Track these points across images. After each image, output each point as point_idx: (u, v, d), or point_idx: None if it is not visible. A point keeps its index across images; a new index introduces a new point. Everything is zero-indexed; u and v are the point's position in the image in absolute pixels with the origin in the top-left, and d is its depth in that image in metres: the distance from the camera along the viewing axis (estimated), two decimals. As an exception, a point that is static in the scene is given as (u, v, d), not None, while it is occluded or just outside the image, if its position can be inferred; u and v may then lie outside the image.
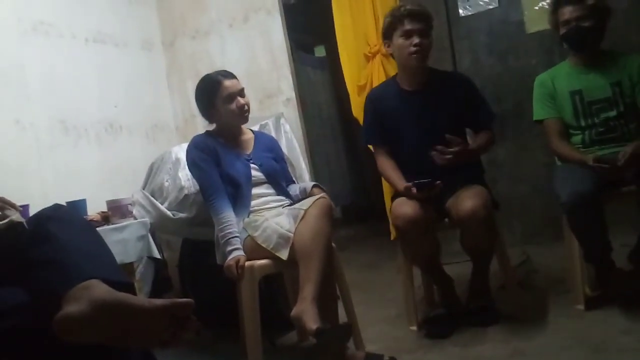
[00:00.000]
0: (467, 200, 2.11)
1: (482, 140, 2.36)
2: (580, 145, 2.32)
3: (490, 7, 3.35)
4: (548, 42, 3.14)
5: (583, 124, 2.32)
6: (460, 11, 3.43)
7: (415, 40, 2.26)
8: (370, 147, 2.61)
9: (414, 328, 2.32)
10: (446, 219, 2.27)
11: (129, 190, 2.76)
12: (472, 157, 2.31)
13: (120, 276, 1.12)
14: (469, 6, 3.40)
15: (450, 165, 2.18)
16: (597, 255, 2.20)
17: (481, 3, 3.38)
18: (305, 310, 1.85)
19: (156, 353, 1.20)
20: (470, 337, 2.15)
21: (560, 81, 2.38)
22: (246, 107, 2.31)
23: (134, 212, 2.54)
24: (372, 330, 2.34)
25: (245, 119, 2.34)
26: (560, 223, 2.27)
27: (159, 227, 2.63)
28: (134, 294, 1.05)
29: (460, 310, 2.33)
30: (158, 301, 1.00)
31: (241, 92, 2.31)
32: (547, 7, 2.50)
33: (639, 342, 1.83)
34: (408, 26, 2.27)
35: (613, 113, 2.27)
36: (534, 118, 2.45)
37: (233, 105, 2.28)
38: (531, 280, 2.72)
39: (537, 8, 3.20)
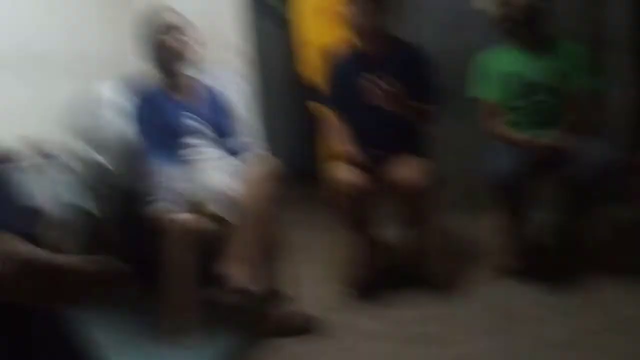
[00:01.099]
0: (405, 170, 2.20)
1: (423, 106, 2.35)
2: (512, 125, 2.43)
3: None
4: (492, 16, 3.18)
5: (517, 105, 2.42)
6: None
7: (354, 9, 2.29)
8: (324, 109, 2.63)
9: (344, 289, 2.40)
10: (384, 186, 2.32)
11: (55, 128, 2.58)
12: (406, 110, 2.26)
13: (30, 226, 1.05)
14: None
15: (379, 103, 2.18)
16: (519, 229, 2.36)
17: None
18: (239, 269, 1.87)
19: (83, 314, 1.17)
20: (395, 299, 2.28)
21: (500, 62, 2.47)
22: (183, 44, 2.20)
23: (64, 158, 2.41)
24: (305, 289, 2.37)
25: (179, 56, 2.21)
26: (487, 196, 2.37)
27: (91, 176, 2.51)
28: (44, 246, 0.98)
29: (387, 273, 2.44)
30: (84, 258, 0.95)
31: (179, 28, 2.20)
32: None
33: (546, 313, 2.01)
34: None
35: (545, 97, 2.39)
36: (471, 95, 2.53)
37: (168, 37, 2.17)
38: (457, 249, 2.85)
39: None
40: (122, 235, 2.60)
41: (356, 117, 2.39)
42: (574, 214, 2.31)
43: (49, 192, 2.23)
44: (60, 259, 0.92)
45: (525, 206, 2.29)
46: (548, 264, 2.37)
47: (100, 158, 2.45)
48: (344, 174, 2.20)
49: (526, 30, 2.40)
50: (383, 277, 2.41)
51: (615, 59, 3.14)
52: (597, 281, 2.23)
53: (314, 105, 2.72)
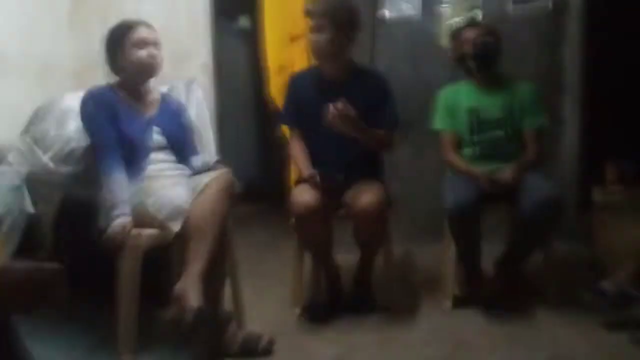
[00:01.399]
0: (364, 195, 2.21)
1: (378, 132, 2.35)
2: (469, 158, 2.53)
3: (413, 14, 3.50)
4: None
5: (474, 139, 2.54)
6: (384, 12, 3.52)
7: (313, 37, 2.33)
8: (285, 129, 2.62)
9: (298, 311, 2.40)
10: (342, 210, 2.34)
11: (8, 134, 2.50)
12: (359, 133, 2.25)
13: None
14: (393, 9, 3.52)
15: (335, 127, 2.18)
16: (469, 260, 2.43)
17: (405, 9, 3.51)
18: (189, 287, 1.82)
19: (16, 324, 1.08)
20: (348, 324, 2.30)
21: (461, 97, 2.58)
22: (157, 60, 2.16)
23: (9, 158, 2.31)
24: (256, 310, 2.36)
25: (153, 72, 2.19)
26: (442, 226, 2.45)
27: (36, 178, 2.40)
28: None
29: (341, 297, 2.46)
30: (20, 264, 0.90)
31: (155, 43, 2.17)
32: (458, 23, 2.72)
33: (491, 342, 2.08)
34: (309, 23, 2.34)
35: (501, 133, 2.52)
36: (433, 127, 2.62)
37: (143, 53, 2.13)
38: (410, 276, 2.92)
39: (451, 22, 3.37)
40: (66, 241, 2.48)
41: (315, 140, 2.40)
42: (523, 246, 2.39)
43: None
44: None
45: (478, 237, 2.35)
46: (497, 294, 2.43)
47: (51, 163, 2.34)
48: (302, 195, 2.20)
49: (479, 66, 2.52)
50: (337, 301, 2.44)
51: (567, 100, 3.34)
52: (543, 313, 2.32)
53: (277, 126, 2.70)
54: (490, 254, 2.49)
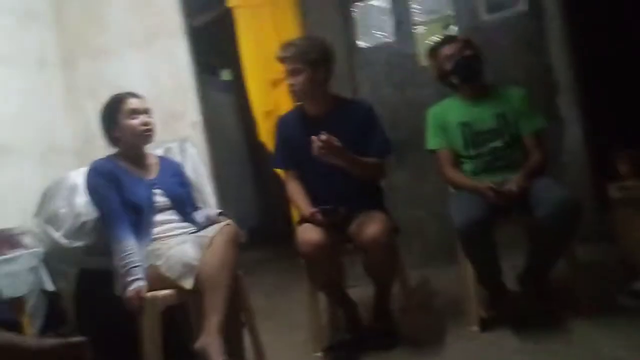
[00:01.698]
0: (369, 226, 2.17)
1: (368, 160, 2.34)
2: (471, 173, 2.45)
3: (388, 40, 3.53)
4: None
5: (472, 153, 2.46)
6: (359, 43, 3.57)
7: (290, 81, 2.37)
8: (280, 172, 2.65)
9: (319, 354, 2.34)
10: (349, 244, 2.31)
11: (20, 218, 2.59)
12: (348, 163, 2.24)
13: (5, 313, 1.05)
14: (367, 38, 3.56)
15: (323, 158, 2.18)
16: (489, 278, 2.32)
17: (378, 36, 3.55)
18: (210, 342, 1.83)
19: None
20: (371, 359, 2.21)
21: (450, 113, 2.52)
22: (150, 126, 2.26)
23: (25, 241, 2.39)
24: (278, 357, 2.33)
25: (147, 139, 2.29)
26: (455, 246, 2.35)
27: (53, 257, 2.48)
28: (21, 332, 1.00)
29: (363, 333, 2.38)
30: (47, 341, 0.95)
31: (146, 111, 2.27)
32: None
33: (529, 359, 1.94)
34: (284, 68, 2.38)
35: (499, 143, 2.42)
36: (428, 147, 2.57)
37: (136, 122, 2.23)
38: (430, 303, 2.82)
39: (428, 42, 3.34)
40: (88, 313, 2.53)
41: (311, 177, 2.41)
42: (544, 256, 2.27)
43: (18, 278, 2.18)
44: (24, 340, 0.91)
45: (494, 253, 2.23)
46: (526, 310, 2.33)
47: (65, 240, 2.42)
48: (307, 234, 2.19)
49: (462, 80, 2.48)
50: (359, 338, 2.37)
51: (563, 99, 3.27)
52: (579, 323, 2.16)
53: (274, 169, 2.74)
54: (511, 268, 2.40)
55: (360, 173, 2.32)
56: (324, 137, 2.14)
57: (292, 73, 2.36)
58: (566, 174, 3.22)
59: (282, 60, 2.38)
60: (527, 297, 2.37)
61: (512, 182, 2.25)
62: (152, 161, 2.38)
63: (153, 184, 2.27)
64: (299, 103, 2.48)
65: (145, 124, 2.25)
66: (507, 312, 2.33)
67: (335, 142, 2.15)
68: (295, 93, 2.39)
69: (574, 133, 3.28)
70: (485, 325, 2.30)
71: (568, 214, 2.07)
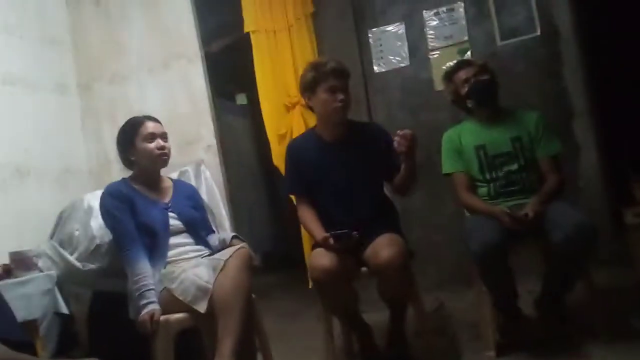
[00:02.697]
0: (384, 250, 2.14)
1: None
2: (487, 197, 2.44)
3: (402, 65, 3.57)
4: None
5: (488, 177, 2.44)
6: (375, 68, 3.61)
7: (340, 95, 2.32)
8: (292, 196, 2.64)
9: None
10: (363, 268, 2.28)
11: (36, 240, 2.61)
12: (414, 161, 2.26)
13: (20, 334, 1.04)
14: (383, 63, 3.60)
15: (407, 155, 2.19)
16: (505, 303, 2.30)
17: (394, 61, 3.59)
18: None
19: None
20: None
21: (465, 137, 2.51)
22: (166, 150, 2.28)
23: (39, 264, 2.40)
24: None
25: (164, 162, 2.30)
26: (471, 270, 2.33)
27: (67, 280, 2.49)
28: (35, 353, 0.99)
29: (377, 358, 2.34)
30: None
31: (163, 135, 2.29)
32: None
33: None
34: (333, 82, 2.32)
35: (514, 166, 2.41)
36: (443, 171, 2.56)
37: (152, 145, 2.25)
38: (445, 327, 2.78)
39: (444, 67, 3.35)
40: (101, 336, 2.52)
41: (325, 201, 2.39)
42: (560, 280, 2.26)
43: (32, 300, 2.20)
44: None
45: (509, 277, 2.23)
46: (542, 335, 2.30)
47: (79, 263, 2.43)
48: (319, 260, 2.16)
49: (478, 104, 2.48)
50: None
51: (578, 123, 3.27)
52: (596, 347, 2.15)
53: (286, 194, 2.73)
54: (527, 293, 2.39)
55: (412, 177, 2.31)
56: (408, 132, 2.14)
57: (345, 87, 2.35)
58: (582, 198, 3.20)
59: (339, 71, 2.34)
60: (543, 322, 2.35)
61: (528, 206, 2.24)
62: (167, 184, 2.39)
63: (167, 207, 2.28)
64: (320, 125, 2.46)
65: (162, 147, 2.27)
66: (523, 337, 2.31)
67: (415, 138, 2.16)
68: (346, 107, 2.36)
69: (589, 158, 3.27)
70: (502, 350, 2.28)
71: (584, 238, 2.06)
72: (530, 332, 2.31)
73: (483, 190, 2.47)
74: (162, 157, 2.28)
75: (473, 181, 2.49)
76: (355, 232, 2.19)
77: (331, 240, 2.19)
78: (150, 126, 2.28)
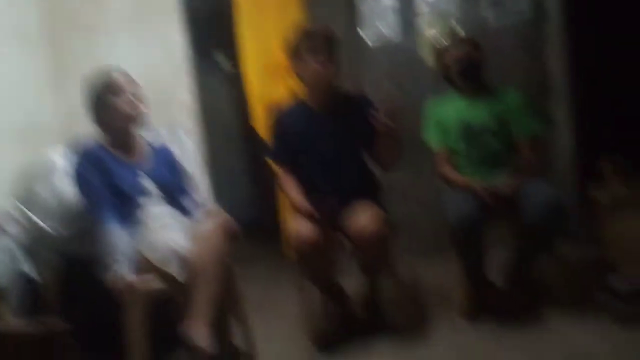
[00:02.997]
0: (363, 220, 2.20)
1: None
2: (466, 172, 2.51)
3: (393, 39, 3.54)
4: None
5: (468, 152, 2.51)
6: (365, 40, 3.56)
7: (321, 58, 2.29)
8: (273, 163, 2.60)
9: (310, 344, 2.37)
10: (343, 238, 2.32)
11: (-1, 200, 2.49)
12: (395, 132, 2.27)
13: None
14: (374, 36, 3.56)
15: (386, 130, 2.20)
16: (477, 274, 2.40)
17: (384, 34, 3.55)
18: (199, 331, 1.81)
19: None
20: (362, 351, 2.27)
21: (449, 110, 2.57)
22: (136, 107, 2.16)
23: (3, 225, 2.30)
24: (268, 348, 2.34)
25: (136, 121, 2.19)
26: (446, 241, 2.40)
27: (33, 242, 2.40)
28: (1, 318, 0.92)
29: (354, 325, 2.42)
30: (29, 328, 0.88)
31: (133, 91, 2.17)
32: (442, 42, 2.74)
33: (513, 353, 2.07)
34: (317, 47, 2.29)
35: (495, 143, 2.49)
36: (426, 144, 2.62)
37: (120, 100, 2.13)
38: (419, 295, 2.87)
39: (435, 43, 3.38)
40: (71, 300, 2.46)
41: (309, 171, 2.40)
42: (530, 253, 2.35)
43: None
44: (5, 325, 0.86)
45: (483, 249, 2.34)
46: (509, 303, 2.41)
47: (45, 224, 2.34)
48: (300, 229, 2.18)
49: (465, 79, 2.53)
50: (348, 328, 2.41)
51: (557, 105, 3.33)
52: (558, 317, 2.30)
53: (267, 160, 2.69)
54: (497, 264, 2.47)
55: (394, 142, 2.31)
56: (390, 112, 2.16)
57: (328, 54, 2.30)
58: (554, 176, 3.28)
59: (320, 37, 2.30)
60: (511, 293, 2.44)
61: (504, 182, 2.34)
62: (141, 147, 2.29)
63: (142, 171, 2.19)
64: (311, 91, 2.41)
65: (129, 103, 2.14)
66: (491, 305, 2.42)
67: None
68: (329, 75, 2.32)
69: (564, 137, 3.35)
70: (472, 318, 2.42)
71: (555, 216, 2.19)
72: (498, 302, 2.42)
73: (463, 164, 2.54)
74: (134, 115, 2.16)
75: (454, 155, 2.56)
76: (335, 203, 2.24)
77: (313, 211, 2.21)
78: (120, 81, 2.16)
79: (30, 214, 2.38)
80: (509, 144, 2.49)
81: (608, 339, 2.05)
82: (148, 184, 2.18)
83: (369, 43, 3.55)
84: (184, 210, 2.23)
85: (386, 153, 2.34)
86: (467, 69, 2.51)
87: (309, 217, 2.21)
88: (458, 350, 2.16)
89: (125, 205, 2.09)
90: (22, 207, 2.41)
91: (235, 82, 4.85)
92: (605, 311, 2.21)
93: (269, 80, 3.36)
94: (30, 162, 2.61)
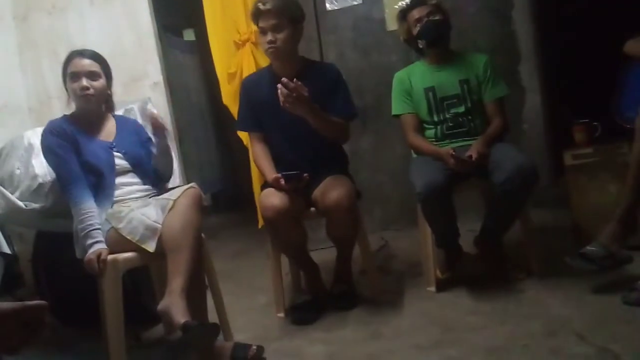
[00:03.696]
0: (333, 191, 2.20)
1: (333, 118, 2.34)
2: (433, 139, 2.49)
3: (355, 3, 3.48)
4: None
5: (435, 119, 2.48)
6: (327, 5, 3.51)
7: (269, 37, 2.30)
8: (242, 133, 2.62)
9: (282, 315, 2.38)
10: (312, 208, 2.33)
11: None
12: (313, 115, 2.23)
13: None
14: (335, 1, 3.50)
15: (290, 109, 2.16)
16: (447, 241, 2.39)
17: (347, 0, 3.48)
18: (173, 304, 1.82)
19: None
20: (333, 321, 2.25)
21: (415, 78, 2.53)
22: (91, 90, 2.15)
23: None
24: (240, 319, 2.36)
25: (85, 102, 2.18)
26: (415, 210, 2.42)
27: (8, 219, 2.41)
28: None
29: (324, 295, 2.43)
30: (5, 304, 0.93)
31: (89, 74, 2.16)
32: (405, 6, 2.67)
33: (484, 320, 2.01)
34: (262, 23, 2.30)
35: (461, 109, 2.45)
36: (393, 113, 2.58)
37: (75, 85, 2.15)
38: (389, 265, 2.88)
39: (396, 7, 3.30)
40: (46, 276, 2.49)
41: (276, 140, 2.41)
42: (500, 219, 2.33)
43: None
44: None
45: (452, 216, 2.31)
46: (480, 271, 2.42)
47: (21, 202, 2.36)
48: (270, 199, 2.19)
49: (428, 45, 2.48)
50: (320, 300, 2.41)
51: (525, 67, 3.32)
52: (530, 284, 2.25)
53: (237, 133, 2.72)
54: (467, 231, 2.48)
55: (324, 129, 2.31)
56: (292, 85, 2.11)
57: (274, 28, 2.28)
58: (525, 141, 3.30)
59: (264, 12, 2.28)
60: (482, 259, 2.45)
61: (472, 148, 2.29)
62: (110, 122, 2.30)
63: (112, 146, 2.21)
64: (272, 62, 2.42)
65: (83, 88, 2.14)
66: (462, 273, 2.40)
67: (304, 91, 2.14)
68: (277, 50, 2.31)
69: (533, 101, 3.35)
70: (442, 286, 2.37)
71: (525, 179, 2.13)
72: (469, 269, 2.42)
73: (430, 132, 2.51)
74: (83, 97, 2.16)
75: (421, 123, 2.53)
76: (305, 174, 2.21)
77: (282, 181, 2.21)
78: (75, 64, 2.16)
79: (5, 192, 2.39)
80: (476, 109, 2.46)
81: (584, 306, 1.98)
82: (119, 160, 2.20)
83: (331, 8, 3.50)
84: (155, 184, 2.27)
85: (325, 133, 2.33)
86: (426, 31, 2.45)
87: (278, 187, 2.22)
88: (429, 319, 2.11)
89: (97, 181, 2.11)
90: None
91: (202, 57, 4.83)
92: (579, 278, 2.13)
93: (235, 53, 3.36)
94: (5, 142, 2.61)
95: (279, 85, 2.12)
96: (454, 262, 2.43)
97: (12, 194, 2.39)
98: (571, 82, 3.47)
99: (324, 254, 2.70)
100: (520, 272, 2.35)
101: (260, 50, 3.14)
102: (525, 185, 2.16)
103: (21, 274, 2.72)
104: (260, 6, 2.29)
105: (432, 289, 2.37)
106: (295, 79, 2.17)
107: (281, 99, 2.13)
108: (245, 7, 3.28)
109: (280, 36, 2.29)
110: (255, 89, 2.45)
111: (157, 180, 2.31)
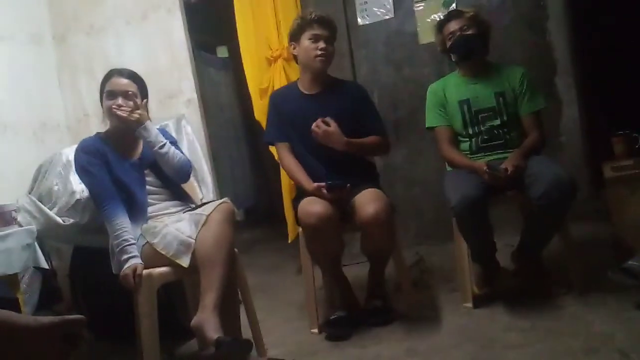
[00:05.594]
0: (370, 204, 2.17)
1: (365, 141, 2.40)
2: (468, 152, 2.45)
3: (387, 17, 3.48)
4: (439, 52, 3.30)
5: (470, 131, 2.45)
6: (359, 20, 3.52)
7: (322, 44, 2.37)
8: (272, 148, 2.64)
9: (315, 331, 2.35)
10: (348, 222, 2.29)
11: (14, 195, 2.57)
12: (347, 146, 2.32)
13: (2, 290, 1.03)
14: (367, 16, 3.51)
15: (323, 143, 2.29)
16: (483, 256, 2.33)
17: (378, 13, 3.49)
18: (206, 319, 1.83)
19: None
20: (368, 337, 2.20)
21: (450, 91, 2.50)
22: (125, 109, 2.16)
23: (18, 218, 2.37)
24: (274, 334, 2.35)
25: (119, 121, 2.18)
26: (451, 224, 2.36)
27: (47, 235, 2.47)
28: (18, 309, 0.98)
29: (358, 311, 2.39)
30: (45, 319, 0.93)
31: (125, 93, 2.18)
32: (437, 19, 2.65)
33: (522, 338, 1.94)
34: (317, 31, 2.37)
35: (497, 122, 2.41)
36: (427, 125, 2.55)
37: (110, 103, 2.17)
38: (424, 280, 2.83)
39: (429, 20, 3.34)
40: (83, 291, 2.53)
41: (303, 152, 2.41)
42: (538, 234, 2.28)
43: (12, 255, 2.18)
44: (21, 317, 0.90)
45: (488, 230, 2.25)
46: (518, 287, 2.36)
47: (59, 218, 2.41)
48: (312, 206, 2.17)
49: (460, 57, 2.47)
50: (354, 315, 2.36)
51: (561, 79, 3.26)
52: (571, 300, 2.19)
53: (267, 146, 2.73)
54: (505, 246, 2.43)
55: (362, 153, 2.42)
56: (322, 123, 2.23)
57: (327, 39, 2.40)
58: (563, 154, 3.23)
59: (322, 21, 2.39)
60: (520, 275, 2.40)
61: (508, 161, 2.24)
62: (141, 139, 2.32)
63: (143, 163, 2.24)
64: (314, 72, 2.45)
65: (117, 106, 2.16)
66: (500, 289, 2.35)
67: (334, 128, 2.25)
68: (328, 58, 2.41)
69: (570, 113, 3.28)
70: (479, 302, 2.32)
71: (562, 192, 2.08)
72: (506, 285, 2.37)
73: (465, 144, 2.48)
74: (117, 117, 2.17)
75: (455, 135, 2.50)
76: (347, 184, 2.21)
77: (324, 190, 2.20)
78: (113, 82, 2.20)
79: (44, 208, 2.45)
80: (512, 122, 2.41)
81: (626, 322, 1.90)
82: (149, 177, 2.23)
83: (363, 23, 3.50)
84: (188, 200, 2.29)
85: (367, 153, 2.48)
86: (457, 45, 2.43)
87: (320, 196, 2.20)
88: (466, 336, 2.04)
89: (130, 198, 2.14)
90: (37, 201, 2.48)
91: (235, 73, 4.89)
92: (621, 293, 2.06)
93: (267, 69, 3.39)
94: (44, 158, 2.69)
95: (314, 126, 2.26)
96: (491, 277, 2.37)
97: (50, 210, 2.45)
98: (609, 93, 3.38)
99: (356, 269, 2.66)
100: (560, 288, 2.28)
101: (292, 65, 3.17)
102: (563, 199, 2.09)
103: (59, 289, 2.77)
104: (320, 14, 2.41)
105: (469, 304, 2.31)
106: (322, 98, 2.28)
107: (315, 134, 2.27)
108: (276, 24, 3.32)
109: (331, 49, 2.41)
110: (283, 103, 2.48)
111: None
